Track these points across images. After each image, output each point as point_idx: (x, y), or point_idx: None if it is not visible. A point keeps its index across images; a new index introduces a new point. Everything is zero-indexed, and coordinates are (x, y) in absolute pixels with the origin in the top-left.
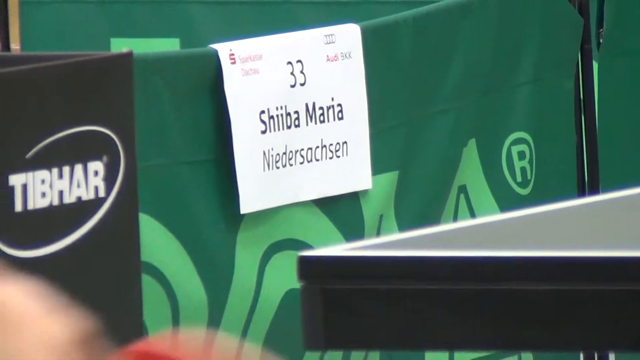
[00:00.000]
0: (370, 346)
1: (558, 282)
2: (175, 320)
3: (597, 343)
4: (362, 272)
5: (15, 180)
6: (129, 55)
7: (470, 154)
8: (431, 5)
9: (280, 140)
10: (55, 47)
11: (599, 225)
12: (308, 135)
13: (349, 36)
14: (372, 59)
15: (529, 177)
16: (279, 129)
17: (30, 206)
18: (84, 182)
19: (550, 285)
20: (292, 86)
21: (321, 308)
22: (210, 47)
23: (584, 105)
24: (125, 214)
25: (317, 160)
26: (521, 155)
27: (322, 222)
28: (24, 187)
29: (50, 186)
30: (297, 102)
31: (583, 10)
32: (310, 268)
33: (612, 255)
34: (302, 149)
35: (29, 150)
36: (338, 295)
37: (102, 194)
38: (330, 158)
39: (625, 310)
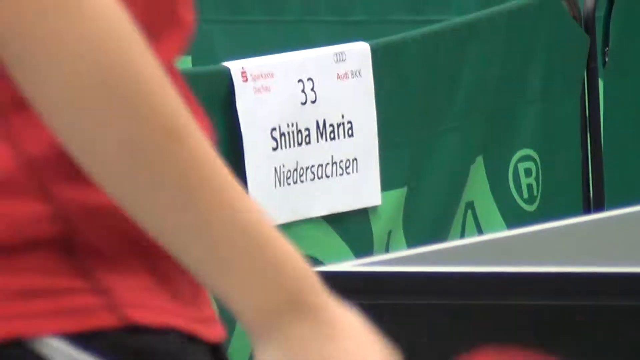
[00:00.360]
0: None
1: (564, 296)
2: None
3: (603, 358)
4: (372, 287)
5: None
6: None
7: (478, 170)
8: (440, 25)
9: (291, 157)
10: None
11: (604, 241)
12: (318, 152)
13: (359, 55)
14: (381, 77)
15: (535, 194)
16: (290, 146)
17: None
18: None
19: (556, 300)
20: (303, 104)
21: None
22: (223, 65)
23: (590, 123)
24: None
25: (328, 176)
26: (528, 172)
27: (332, 238)
28: None
29: None
30: (307, 119)
31: (589, 29)
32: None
33: (617, 271)
34: (313, 166)
35: None
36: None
37: None
38: (341, 174)
39: (631, 326)
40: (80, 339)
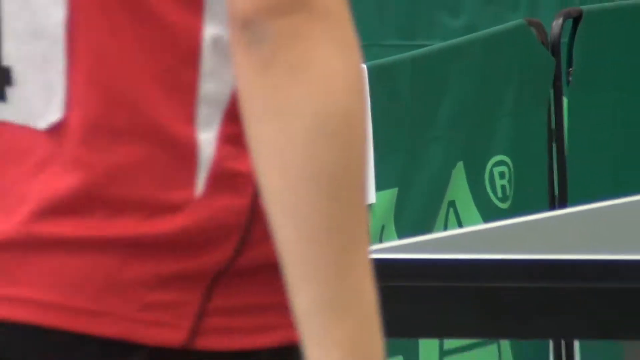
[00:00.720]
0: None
1: (532, 280)
2: None
3: (564, 333)
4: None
5: None
6: None
7: (459, 174)
8: (426, 49)
9: None
10: None
11: (566, 232)
12: None
13: None
14: (376, 93)
15: (508, 194)
16: None
17: None
18: None
19: (525, 283)
20: None
21: None
22: None
23: (555, 133)
24: None
25: None
26: (502, 175)
27: None
28: None
29: None
30: None
31: (555, 53)
32: None
33: (577, 258)
34: None
35: None
36: None
37: None
38: None
39: (587, 305)
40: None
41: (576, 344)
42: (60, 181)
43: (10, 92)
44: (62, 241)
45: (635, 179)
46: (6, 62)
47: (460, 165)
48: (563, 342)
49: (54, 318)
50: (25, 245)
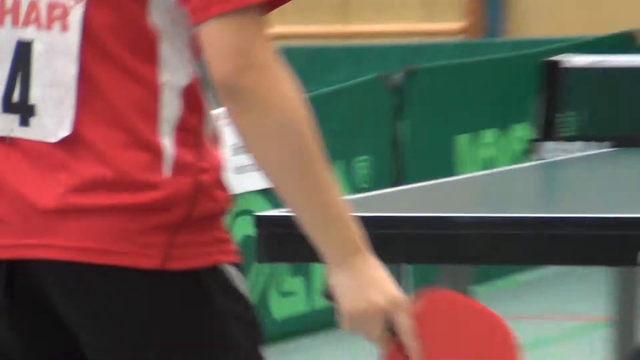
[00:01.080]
0: (295, 260)
1: (382, 228)
2: None
3: (398, 259)
4: (289, 222)
5: None
6: None
7: (337, 168)
8: (314, 93)
9: None
10: None
11: (400, 200)
12: None
13: None
14: None
15: (368, 179)
16: None
17: None
18: None
19: (381, 231)
20: None
21: (269, 246)
22: None
23: (397, 143)
24: None
25: None
26: (364, 168)
27: (271, 199)
28: None
29: None
30: None
31: (397, 95)
32: (263, 221)
33: (409, 215)
34: None
35: None
36: (277, 238)
37: None
38: None
39: (412, 241)
40: (236, 266)
41: (409, 268)
42: (85, 171)
43: (32, 120)
44: (89, 208)
45: (447, 167)
46: (32, 102)
47: (338, 162)
48: (399, 267)
49: (88, 257)
50: (64, 211)
